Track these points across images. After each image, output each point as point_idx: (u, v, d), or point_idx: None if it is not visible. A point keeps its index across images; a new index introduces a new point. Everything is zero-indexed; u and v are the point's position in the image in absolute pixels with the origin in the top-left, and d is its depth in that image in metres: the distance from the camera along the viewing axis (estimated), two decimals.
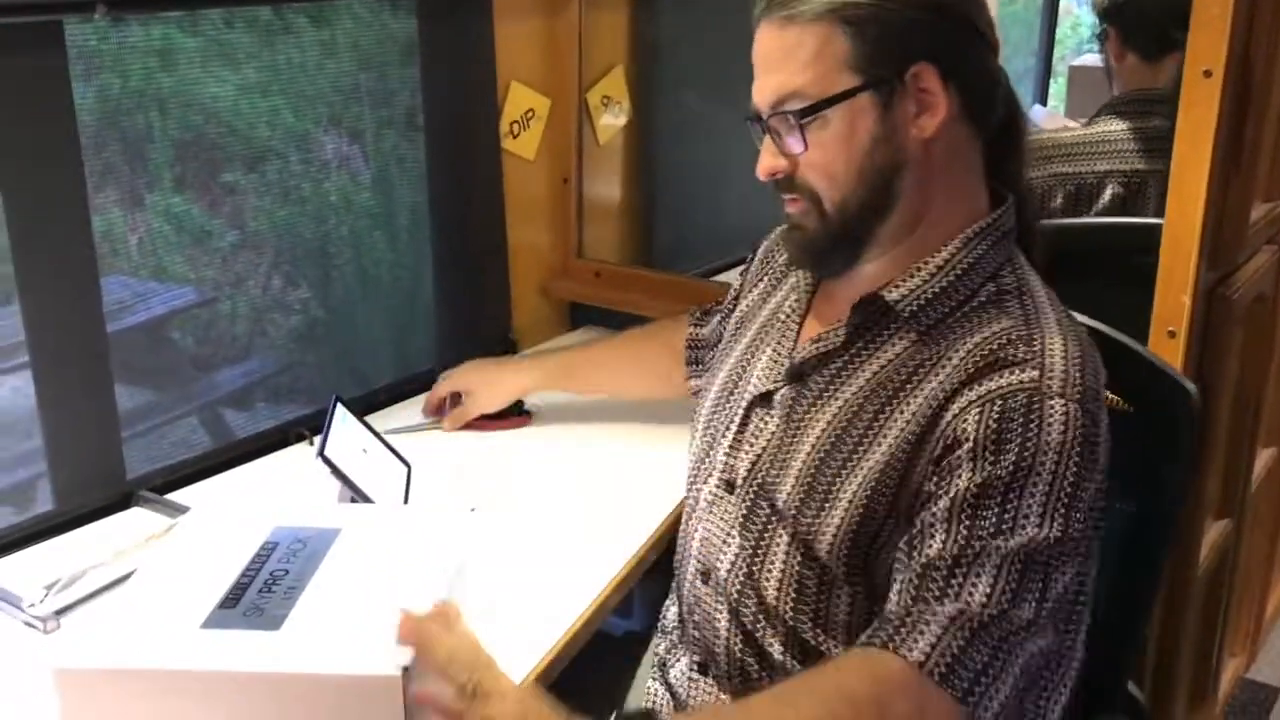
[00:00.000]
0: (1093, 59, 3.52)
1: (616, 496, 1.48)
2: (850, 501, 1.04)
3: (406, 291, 1.93)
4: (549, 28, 1.98)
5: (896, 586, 0.97)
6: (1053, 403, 0.97)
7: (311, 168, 1.75)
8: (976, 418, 0.97)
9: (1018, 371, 0.99)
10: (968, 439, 0.97)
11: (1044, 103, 4.02)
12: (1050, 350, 1.00)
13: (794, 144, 1.07)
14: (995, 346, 1.02)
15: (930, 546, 0.95)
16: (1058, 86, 4.13)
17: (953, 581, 0.93)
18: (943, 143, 1.07)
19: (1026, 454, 0.95)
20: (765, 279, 1.31)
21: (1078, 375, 0.99)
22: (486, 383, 1.66)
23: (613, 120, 2.16)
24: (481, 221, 1.89)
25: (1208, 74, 1.37)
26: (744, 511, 1.13)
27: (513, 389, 1.67)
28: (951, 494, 0.96)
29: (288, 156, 1.71)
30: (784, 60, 1.06)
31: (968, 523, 0.95)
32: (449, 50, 1.81)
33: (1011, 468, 0.95)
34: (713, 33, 2.23)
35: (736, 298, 1.38)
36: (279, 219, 1.73)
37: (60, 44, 1.32)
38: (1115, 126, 2.12)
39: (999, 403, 0.97)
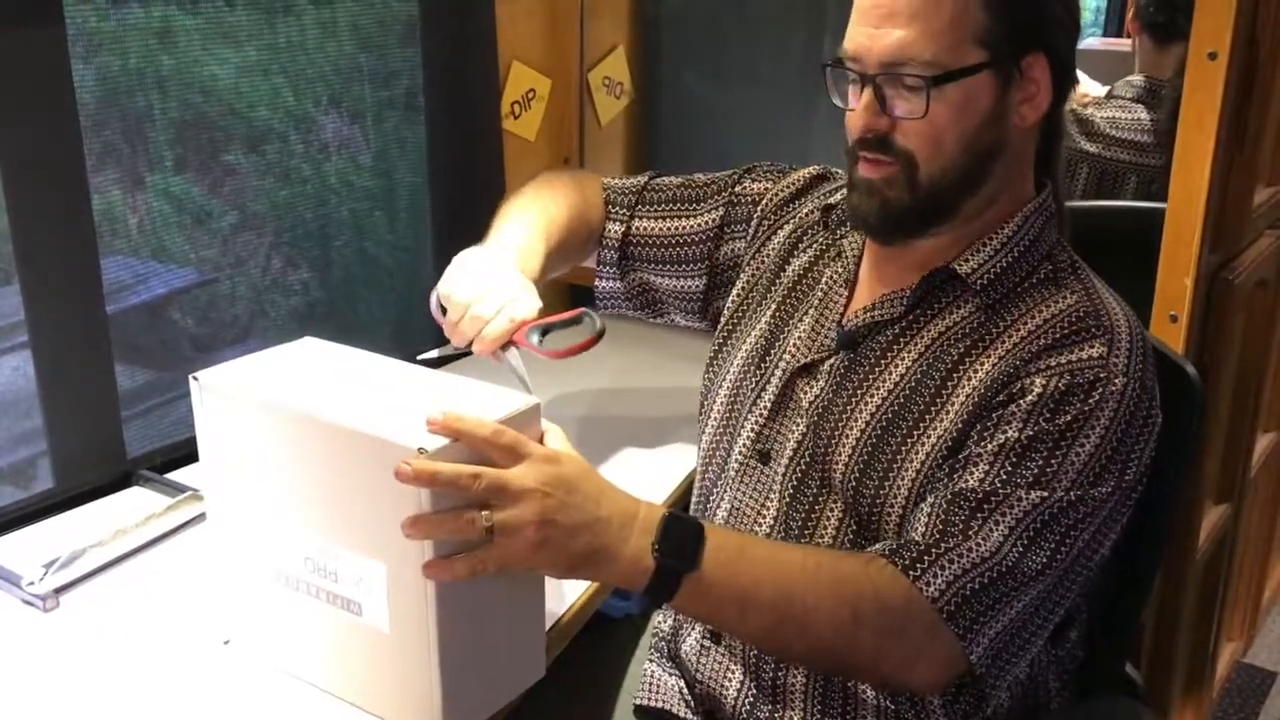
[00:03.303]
0: (1097, 42, 3.51)
1: (615, 477, 1.48)
2: (919, 471, 1.05)
3: (407, 273, 1.92)
4: (550, 7, 1.97)
5: (926, 509, 1.02)
6: (1116, 381, 1.02)
7: (312, 149, 1.74)
8: (1044, 382, 1.02)
9: (1088, 347, 1.03)
10: (1031, 396, 1.02)
11: None
12: (1117, 325, 1.05)
13: (911, 107, 1.04)
14: (1068, 322, 1.05)
15: (969, 477, 1.01)
16: None
17: (976, 517, 1.00)
18: (1031, 134, 1.10)
19: (1079, 420, 1.00)
20: (791, 230, 1.28)
21: (1140, 349, 1.05)
22: (502, 284, 1.21)
23: (614, 101, 2.15)
24: (482, 203, 1.88)
25: (1213, 56, 1.37)
26: (793, 484, 1.13)
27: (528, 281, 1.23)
28: (1001, 439, 1.01)
29: (288, 137, 1.71)
30: (916, 18, 1.02)
31: (1009, 467, 1.01)
32: (450, 30, 1.80)
33: (1062, 428, 1.00)
34: (715, 14, 2.22)
35: (749, 243, 1.33)
36: (279, 200, 1.72)
37: (60, 23, 1.32)
38: (1100, 114, 2.14)
39: (1067, 376, 1.02)
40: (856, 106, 1.07)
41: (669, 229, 1.38)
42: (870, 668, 1.03)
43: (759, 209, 1.32)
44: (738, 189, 1.36)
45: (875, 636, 1.00)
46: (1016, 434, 1.01)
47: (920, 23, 1.02)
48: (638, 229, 1.40)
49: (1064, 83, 1.09)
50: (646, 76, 2.21)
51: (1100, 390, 1.01)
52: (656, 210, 1.40)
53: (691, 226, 1.37)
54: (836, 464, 1.10)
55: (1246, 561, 2.20)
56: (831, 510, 1.11)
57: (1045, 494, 1.00)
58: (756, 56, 2.17)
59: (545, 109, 1.99)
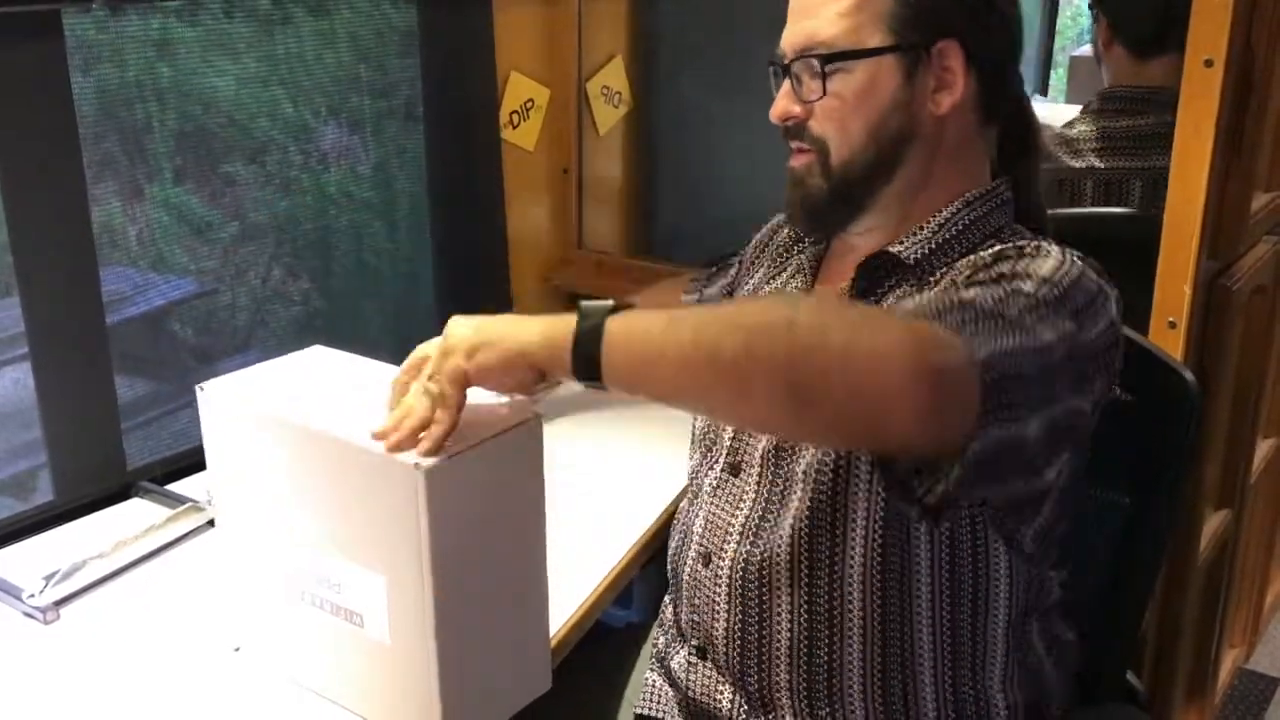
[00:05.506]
0: (1090, 50, 3.51)
1: (616, 486, 1.48)
2: None
3: (407, 283, 1.93)
4: (548, 17, 1.98)
5: None
6: (1050, 248, 1.02)
7: (311, 159, 1.75)
8: (973, 258, 1.04)
9: (1016, 242, 1.06)
10: (965, 268, 1.03)
11: (1044, 93, 4.02)
12: (1050, 246, 1.04)
13: (813, 90, 1.08)
14: (997, 246, 1.06)
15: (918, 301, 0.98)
16: (1058, 77, 4.13)
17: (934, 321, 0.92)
18: (954, 124, 1.09)
19: (1019, 268, 0.97)
20: (766, 264, 1.31)
21: (1077, 257, 1.02)
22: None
23: (613, 110, 2.15)
24: (481, 212, 1.89)
25: (1209, 63, 1.37)
26: (765, 485, 1.13)
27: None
28: (943, 287, 1.01)
29: (287, 147, 1.71)
30: (821, 7, 1.08)
31: (954, 293, 0.94)
32: (448, 40, 1.81)
33: (999, 275, 0.97)
34: (713, 21, 2.23)
35: (736, 277, 1.38)
36: (279, 210, 1.72)
37: (59, 34, 1.32)
38: (1088, 127, 2.13)
39: (996, 246, 1.05)
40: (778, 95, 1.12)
41: None
42: (840, 373, 0.83)
43: (749, 253, 1.35)
44: (708, 292, 1.43)
45: (848, 328, 0.85)
46: (953, 284, 0.98)
47: (826, 10, 1.07)
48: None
49: (990, 76, 1.09)
50: (645, 85, 2.21)
51: (1033, 252, 1.00)
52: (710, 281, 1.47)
53: None
54: (800, 458, 1.09)
55: (1248, 567, 2.20)
56: (803, 493, 1.09)
57: (991, 295, 0.93)
58: (754, 64, 2.18)
59: (544, 119, 1.99)
